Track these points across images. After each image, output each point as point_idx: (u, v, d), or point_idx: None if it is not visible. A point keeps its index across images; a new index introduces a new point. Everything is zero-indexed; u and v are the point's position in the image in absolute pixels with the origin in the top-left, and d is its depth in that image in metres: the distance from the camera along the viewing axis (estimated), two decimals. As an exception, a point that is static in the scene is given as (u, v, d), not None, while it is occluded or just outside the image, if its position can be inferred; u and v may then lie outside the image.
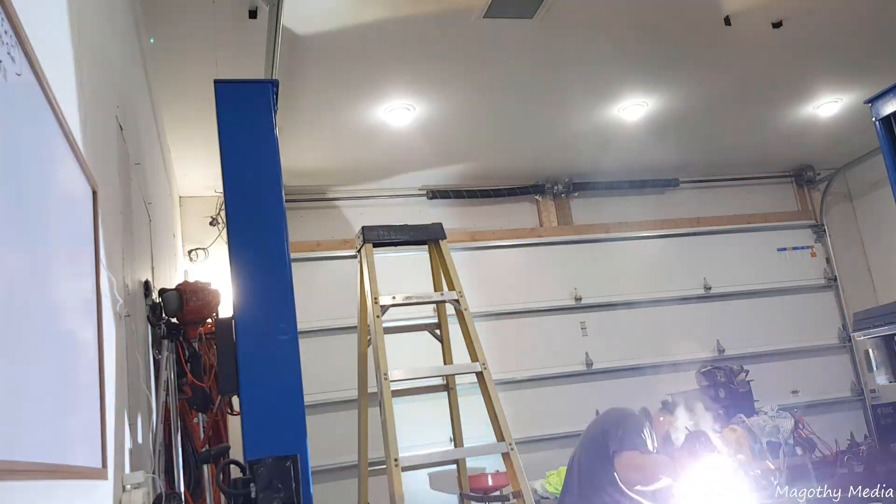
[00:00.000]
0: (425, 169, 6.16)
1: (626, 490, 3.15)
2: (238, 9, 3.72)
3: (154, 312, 3.06)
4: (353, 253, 3.97)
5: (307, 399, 2.72)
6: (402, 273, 4.90)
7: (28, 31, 1.29)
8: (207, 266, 5.70)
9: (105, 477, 1.76)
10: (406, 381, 3.43)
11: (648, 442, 3.19)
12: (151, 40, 3.92)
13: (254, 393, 2.56)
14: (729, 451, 3.32)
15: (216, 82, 2.92)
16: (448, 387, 3.88)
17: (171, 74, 4.27)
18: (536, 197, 6.72)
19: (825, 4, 4.38)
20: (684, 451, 3.19)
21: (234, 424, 3.77)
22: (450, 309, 3.66)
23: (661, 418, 3.37)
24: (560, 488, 3.65)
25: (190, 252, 5.78)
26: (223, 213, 5.24)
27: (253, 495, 2.35)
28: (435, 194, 6.47)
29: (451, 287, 3.54)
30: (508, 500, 3.94)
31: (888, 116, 4.13)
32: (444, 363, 3.80)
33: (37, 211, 1.35)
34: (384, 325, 3.37)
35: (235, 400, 2.99)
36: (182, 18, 3.77)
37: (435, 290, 3.72)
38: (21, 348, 1.18)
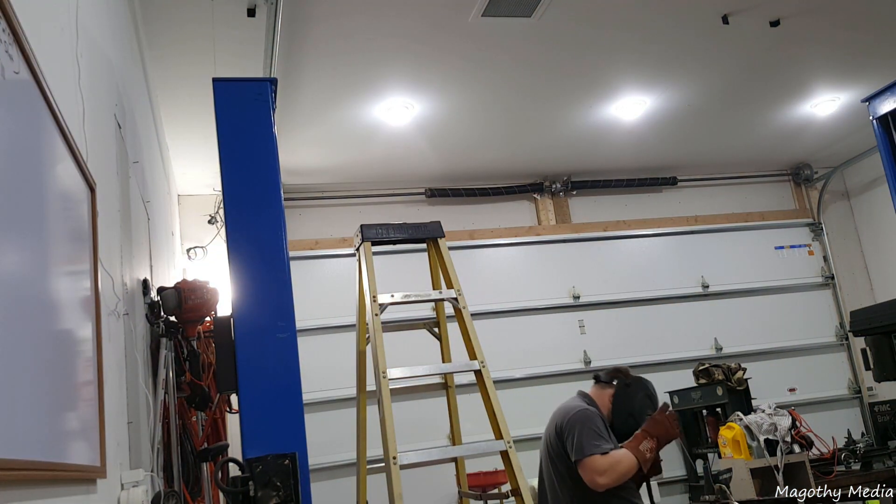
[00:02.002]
0: (424, 167, 6.16)
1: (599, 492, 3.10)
2: (236, 7, 3.72)
3: (152, 311, 3.06)
4: (351, 251, 3.97)
5: (306, 397, 2.72)
6: (401, 271, 4.90)
7: (26, 29, 1.29)
8: (206, 264, 5.70)
9: (104, 475, 1.76)
10: (404, 379, 3.43)
11: (604, 435, 3.13)
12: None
13: (252, 391, 2.56)
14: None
15: (214, 80, 2.92)
16: (446, 385, 3.89)
17: (170, 73, 4.27)
18: (535, 195, 6.73)
19: (823, 3, 4.39)
20: (645, 431, 3.10)
21: (232, 422, 3.78)
22: (448, 307, 3.66)
23: (600, 393, 3.31)
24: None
25: (188, 250, 5.78)
26: (222, 212, 5.24)
27: (251, 493, 2.36)
28: (433, 193, 6.47)
29: (450, 285, 3.54)
30: (507, 497, 3.94)
31: (885, 115, 4.14)
32: (443, 361, 3.80)
33: (34, 209, 1.35)
34: (382, 323, 3.37)
35: (234, 398, 2.99)
36: (180, 17, 3.77)
37: (433, 289, 3.72)
38: (19, 347, 1.18)
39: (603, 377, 3.33)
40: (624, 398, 3.22)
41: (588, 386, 3.40)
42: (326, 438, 5.40)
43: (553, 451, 3.20)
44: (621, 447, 3.06)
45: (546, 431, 3.32)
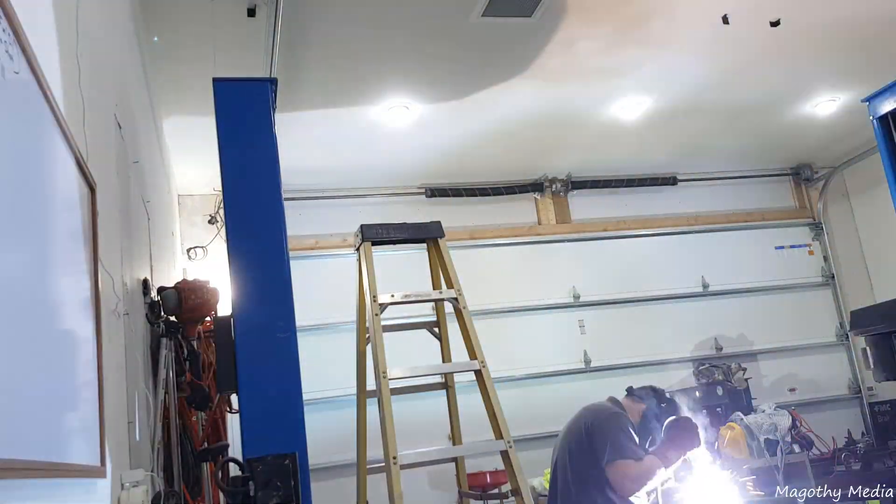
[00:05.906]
0: (424, 167, 6.16)
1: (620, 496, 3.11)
2: (237, 7, 3.72)
3: (153, 311, 3.06)
4: (351, 251, 3.97)
5: (306, 397, 2.72)
6: (401, 271, 4.90)
7: (26, 29, 1.29)
8: (206, 264, 5.69)
9: (104, 475, 1.76)
10: (405, 379, 3.43)
11: (635, 441, 3.15)
12: (155, 39, 3.92)
13: (252, 391, 2.56)
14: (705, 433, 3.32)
15: (215, 80, 2.91)
16: (447, 385, 3.89)
17: (170, 73, 4.27)
18: (535, 195, 6.73)
19: (823, 3, 4.38)
20: (671, 440, 3.14)
21: (232, 422, 3.77)
22: (448, 307, 3.66)
23: (632, 406, 3.33)
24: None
25: (189, 250, 5.78)
26: (222, 212, 5.24)
27: (251, 493, 2.36)
28: (433, 192, 6.47)
29: (450, 285, 3.54)
30: (507, 497, 3.93)
31: (885, 115, 4.14)
32: (443, 361, 3.80)
33: (35, 209, 1.36)
34: (383, 323, 3.37)
35: (234, 398, 2.99)
36: (181, 17, 3.77)
37: (434, 289, 3.72)
38: (20, 347, 1.18)
39: (637, 392, 3.35)
40: (657, 417, 3.24)
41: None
42: (327, 438, 5.39)
43: (577, 447, 3.19)
44: (650, 454, 3.09)
45: (569, 428, 3.32)
